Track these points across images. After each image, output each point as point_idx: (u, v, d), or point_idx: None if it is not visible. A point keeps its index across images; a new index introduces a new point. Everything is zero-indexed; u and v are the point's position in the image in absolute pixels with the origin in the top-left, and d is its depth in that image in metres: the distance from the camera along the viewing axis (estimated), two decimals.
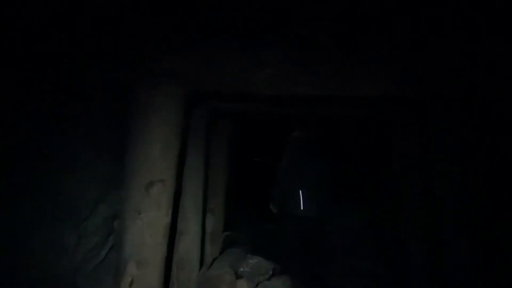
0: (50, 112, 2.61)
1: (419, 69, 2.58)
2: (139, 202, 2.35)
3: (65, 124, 2.66)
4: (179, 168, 2.72)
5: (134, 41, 2.41)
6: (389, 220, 4.75)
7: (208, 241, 3.96)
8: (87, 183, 2.71)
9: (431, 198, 3.57)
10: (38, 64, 2.45)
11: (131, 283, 2.25)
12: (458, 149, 3.23)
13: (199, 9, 2.29)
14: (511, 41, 2.18)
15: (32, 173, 2.46)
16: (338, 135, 6.36)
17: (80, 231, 2.67)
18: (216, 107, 3.73)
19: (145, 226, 2.33)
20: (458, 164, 3.21)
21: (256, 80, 2.66)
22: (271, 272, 3.44)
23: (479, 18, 2.04)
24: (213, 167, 4.14)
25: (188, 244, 3.39)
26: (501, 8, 1.91)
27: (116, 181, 2.72)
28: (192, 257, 3.42)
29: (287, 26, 2.31)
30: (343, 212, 7.06)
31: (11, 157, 2.38)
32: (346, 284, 4.33)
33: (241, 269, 3.41)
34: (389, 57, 2.45)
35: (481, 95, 2.97)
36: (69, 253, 2.58)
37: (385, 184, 5.03)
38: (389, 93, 2.98)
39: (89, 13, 2.21)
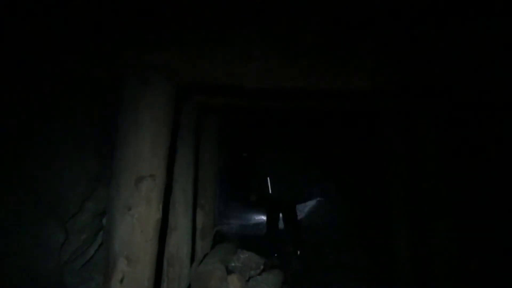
0: (32, 109, 2.55)
1: (402, 64, 2.62)
2: (128, 198, 2.31)
3: (47, 121, 2.60)
4: (169, 163, 2.70)
5: (120, 35, 2.37)
6: (374, 215, 4.82)
7: (198, 237, 3.95)
8: (73, 180, 2.65)
9: (417, 190, 3.64)
10: (16, 60, 2.40)
11: (121, 280, 2.22)
12: (439, 140, 3.34)
13: (186, 2, 2.27)
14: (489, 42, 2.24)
15: (13, 171, 2.40)
16: (328, 127, 6.39)
17: (67, 229, 2.62)
18: (205, 101, 3.71)
19: (135, 222, 2.30)
20: (439, 154, 3.32)
21: (243, 73, 2.65)
22: (262, 267, 3.44)
23: (457, 20, 2.08)
24: (202, 162, 4.12)
25: (179, 240, 3.37)
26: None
27: (104, 177, 2.69)
28: (182, 253, 3.39)
29: (273, 19, 2.31)
30: (329, 207, 7.15)
31: None
32: (334, 277, 4.39)
33: (232, 264, 3.40)
34: (374, 52, 2.48)
35: (458, 89, 3.07)
36: (56, 251, 2.53)
37: (372, 178, 5.10)
38: (375, 86, 3.01)
39: (71, 7, 2.17)
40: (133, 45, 2.40)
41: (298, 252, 4.87)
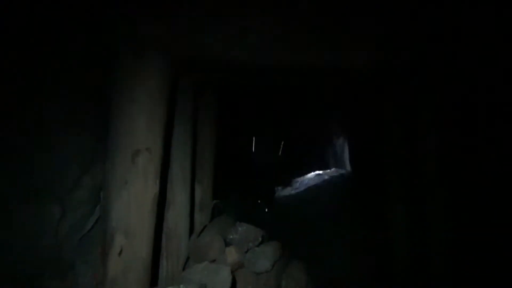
0: (28, 86, 2.53)
1: (403, 41, 2.58)
2: (125, 172, 2.31)
3: (43, 97, 2.58)
4: (166, 139, 2.69)
5: (114, 7, 2.32)
6: (373, 190, 4.85)
7: (197, 211, 3.99)
8: (69, 155, 2.66)
9: (414, 167, 3.66)
10: (10, 37, 2.36)
11: (120, 253, 2.26)
12: (439, 114, 3.31)
13: None
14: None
15: (8, 148, 2.40)
16: (329, 104, 6.36)
17: (64, 204, 2.65)
18: (202, 78, 3.66)
19: (132, 197, 2.31)
20: (438, 137, 3.31)
21: (240, 48, 2.60)
22: (260, 239, 3.49)
23: None
24: (200, 138, 4.11)
25: (177, 214, 3.40)
26: None
27: (100, 152, 2.69)
28: (181, 226, 3.44)
29: None
30: (328, 181, 7.19)
31: None
32: (331, 250, 4.47)
33: (230, 237, 3.44)
34: (374, 28, 2.43)
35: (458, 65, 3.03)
36: (54, 225, 2.57)
37: (370, 155, 5.09)
38: (375, 63, 2.95)
39: None
40: (128, 18, 2.35)
41: (266, 209, 5.87)
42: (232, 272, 2.78)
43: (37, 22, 2.38)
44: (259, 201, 6.53)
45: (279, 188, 7.76)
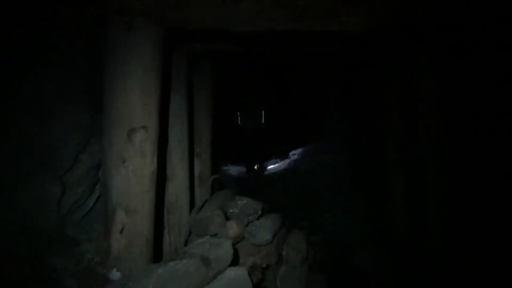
0: (19, 60, 2.44)
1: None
2: (122, 150, 2.28)
3: (34, 75, 2.50)
4: (162, 113, 2.64)
5: None
6: (371, 159, 4.86)
7: (197, 185, 4.00)
8: (64, 133, 2.61)
9: (414, 133, 3.64)
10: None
11: (121, 231, 2.26)
12: (438, 87, 3.28)
13: None
14: None
15: (3, 128, 2.35)
16: (323, 71, 6.27)
17: (64, 182, 2.63)
18: (196, 48, 3.57)
19: (131, 174, 2.30)
20: (438, 100, 3.28)
21: (234, 15, 2.51)
22: (260, 212, 3.50)
23: None
24: (197, 111, 4.06)
25: (177, 189, 3.41)
26: None
27: (96, 129, 2.65)
28: (181, 201, 3.45)
29: None
30: (326, 152, 7.20)
31: None
32: (330, 218, 4.52)
33: (231, 211, 3.45)
34: None
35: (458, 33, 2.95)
36: (55, 204, 2.56)
37: (368, 125, 5.08)
38: (372, 27, 2.87)
39: None
40: None
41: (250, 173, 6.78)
42: (234, 245, 2.80)
43: None
44: (250, 173, 6.90)
45: (277, 160, 7.78)
